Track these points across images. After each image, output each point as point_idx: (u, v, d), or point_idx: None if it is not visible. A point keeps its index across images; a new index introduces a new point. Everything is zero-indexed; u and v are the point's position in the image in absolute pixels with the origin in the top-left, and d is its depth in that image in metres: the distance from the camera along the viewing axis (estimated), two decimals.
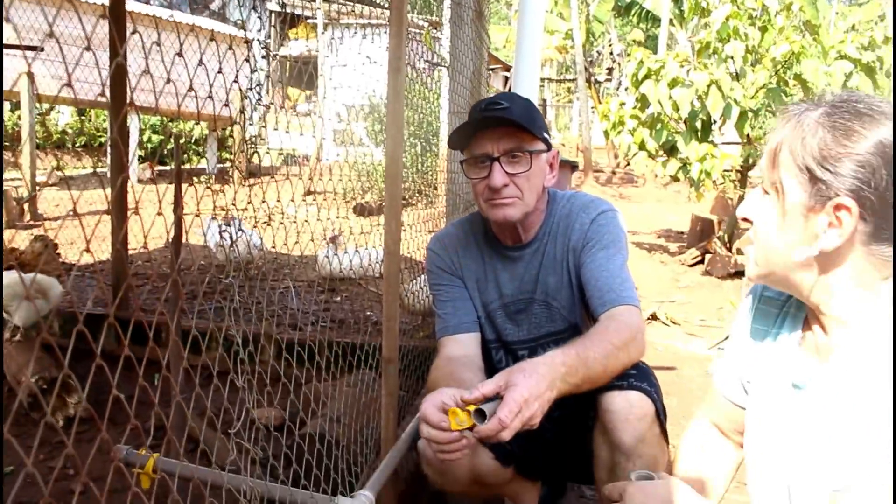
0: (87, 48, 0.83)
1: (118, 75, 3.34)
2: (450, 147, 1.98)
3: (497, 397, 1.44)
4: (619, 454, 1.65)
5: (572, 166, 4.05)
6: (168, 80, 1.01)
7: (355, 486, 1.64)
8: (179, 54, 0.96)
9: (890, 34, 6.98)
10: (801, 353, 1.23)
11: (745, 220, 1.20)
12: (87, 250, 0.91)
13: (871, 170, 1.03)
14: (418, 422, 1.94)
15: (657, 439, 1.69)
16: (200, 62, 1.09)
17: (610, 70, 22.61)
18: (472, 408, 1.44)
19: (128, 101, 3.61)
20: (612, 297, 1.75)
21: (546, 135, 1.85)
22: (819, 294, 1.13)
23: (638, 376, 1.68)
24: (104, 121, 13.71)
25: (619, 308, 1.73)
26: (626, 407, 1.64)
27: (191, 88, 1.07)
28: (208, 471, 1.52)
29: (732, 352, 1.43)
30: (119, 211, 3.62)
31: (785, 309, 1.30)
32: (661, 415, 1.70)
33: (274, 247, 4.78)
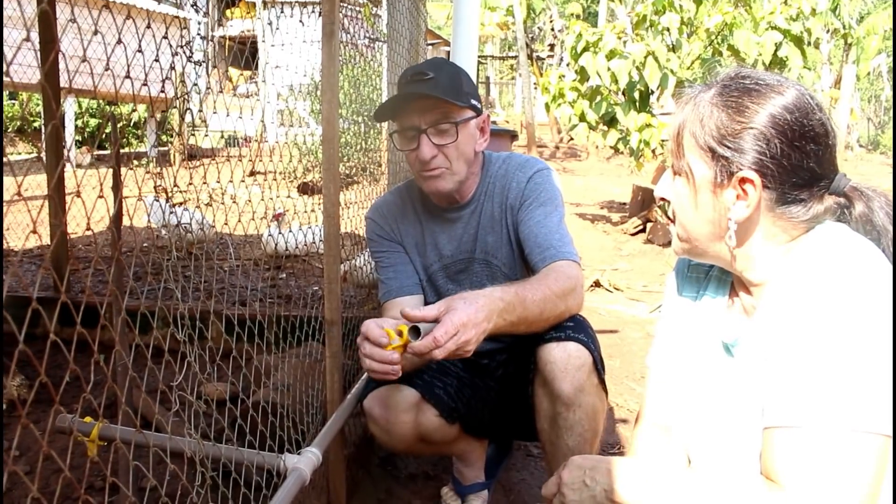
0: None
1: (48, 55, 3.27)
2: (377, 120, 2.01)
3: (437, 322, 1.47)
4: (560, 404, 1.70)
5: (512, 136, 4.11)
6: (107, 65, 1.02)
7: (302, 446, 1.67)
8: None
9: (819, 8, 7.18)
10: (729, 315, 1.28)
11: (662, 199, 1.26)
12: (34, 231, 0.91)
13: (766, 141, 1.10)
14: (363, 383, 1.99)
15: (596, 389, 1.74)
16: (130, 41, 1.09)
17: (552, 46, 22.68)
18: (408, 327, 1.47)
19: (62, 83, 3.53)
20: (551, 253, 1.81)
21: (474, 101, 1.89)
22: (739, 262, 1.19)
23: (575, 328, 1.73)
24: (38, 104, 13.31)
25: (559, 262, 1.78)
26: (565, 357, 1.68)
27: (127, 73, 1.07)
28: (153, 434, 1.53)
29: (666, 336, 1.44)
30: (57, 195, 3.56)
31: (710, 273, 1.35)
32: (598, 365, 1.74)
33: (214, 226, 4.76)
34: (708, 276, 1.36)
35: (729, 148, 1.12)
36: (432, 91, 1.78)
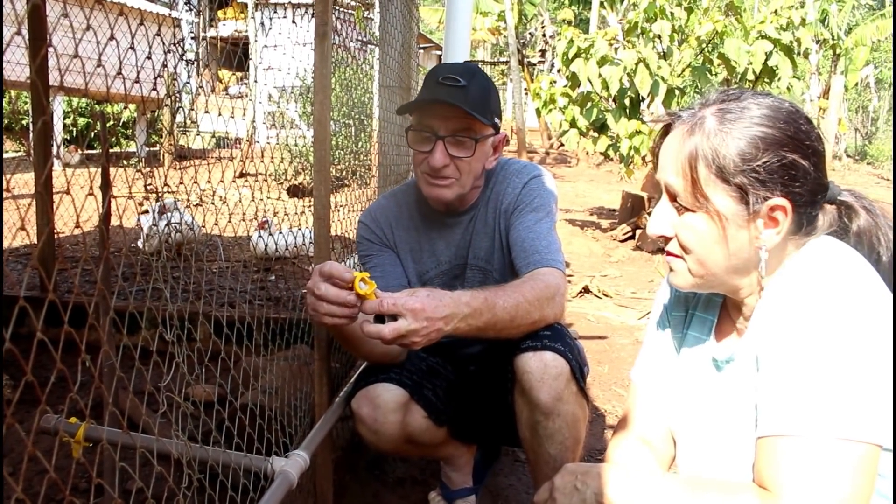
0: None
1: (37, 53, 3.25)
2: (399, 114, 1.99)
3: None
4: (539, 413, 1.70)
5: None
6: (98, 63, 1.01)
7: (290, 449, 1.66)
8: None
9: (809, 18, 7.24)
10: (719, 333, 1.28)
11: (661, 237, 1.19)
12: (23, 228, 0.89)
13: (791, 165, 1.08)
14: (351, 385, 1.98)
15: (575, 397, 1.72)
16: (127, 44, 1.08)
17: (543, 52, 22.74)
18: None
19: (51, 82, 3.51)
20: (536, 259, 1.79)
21: (497, 119, 1.87)
22: (750, 290, 1.17)
23: (552, 337, 1.71)
24: (26, 102, 13.23)
25: (542, 269, 1.77)
26: (541, 367, 1.67)
27: (119, 70, 1.07)
28: (139, 436, 1.52)
29: (653, 352, 1.43)
30: (45, 192, 3.54)
31: (699, 293, 1.34)
32: (577, 373, 1.72)
33: (204, 226, 4.75)
34: (697, 296, 1.35)
35: (756, 178, 1.07)
36: (461, 102, 1.75)
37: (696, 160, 1.11)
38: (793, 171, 1.08)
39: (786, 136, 1.09)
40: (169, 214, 4.86)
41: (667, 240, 1.20)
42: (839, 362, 0.98)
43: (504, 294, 1.63)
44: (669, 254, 1.20)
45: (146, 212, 5.37)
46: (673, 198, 1.17)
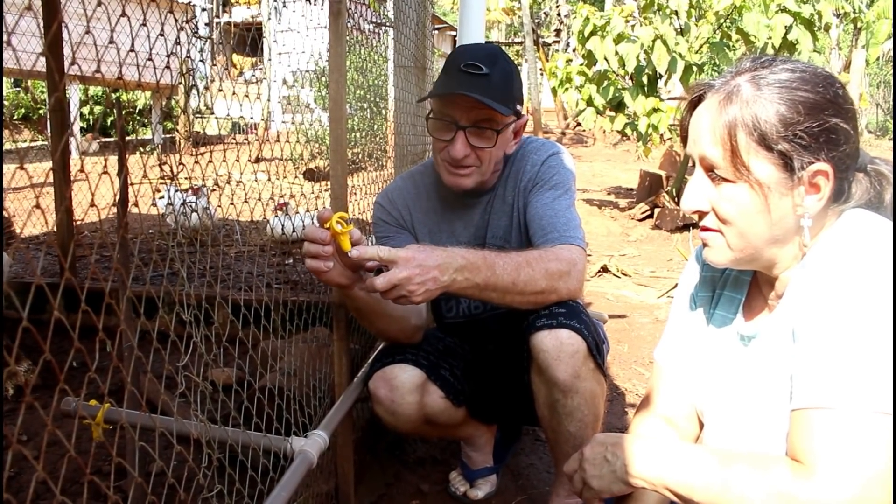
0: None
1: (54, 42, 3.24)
2: (419, 101, 1.98)
3: None
4: (557, 391, 1.69)
5: None
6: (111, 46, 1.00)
7: (309, 429, 1.66)
8: None
9: None
10: (748, 310, 1.26)
11: (697, 212, 1.16)
12: (38, 206, 0.88)
13: (833, 129, 1.05)
14: (369, 365, 1.97)
15: (593, 374, 1.72)
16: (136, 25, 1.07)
17: (558, 31, 22.55)
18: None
19: (65, 69, 3.50)
20: (554, 236, 1.77)
21: (518, 105, 1.85)
22: (787, 263, 1.15)
23: (567, 315, 1.69)
24: (42, 92, 13.31)
25: (560, 245, 1.75)
26: (557, 345, 1.66)
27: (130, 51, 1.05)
28: (159, 417, 1.52)
29: (677, 332, 1.41)
30: (62, 178, 3.54)
31: (726, 273, 1.32)
32: (593, 350, 1.71)
33: (220, 205, 4.77)
34: (724, 276, 1.33)
35: (800, 144, 1.05)
36: (483, 94, 1.73)
37: (735, 128, 1.08)
38: (834, 135, 1.06)
39: (826, 99, 1.06)
40: (183, 196, 4.88)
41: (701, 215, 1.17)
42: (877, 336, 0.95)
43: (507, 256, 1.62)
44: (706, 229, 1.17)
45: (163, 197, 5.38)
46: (709, 169, 1.13)
